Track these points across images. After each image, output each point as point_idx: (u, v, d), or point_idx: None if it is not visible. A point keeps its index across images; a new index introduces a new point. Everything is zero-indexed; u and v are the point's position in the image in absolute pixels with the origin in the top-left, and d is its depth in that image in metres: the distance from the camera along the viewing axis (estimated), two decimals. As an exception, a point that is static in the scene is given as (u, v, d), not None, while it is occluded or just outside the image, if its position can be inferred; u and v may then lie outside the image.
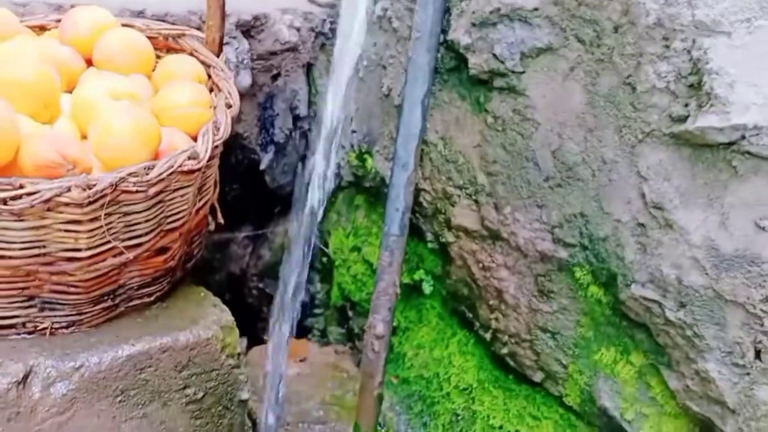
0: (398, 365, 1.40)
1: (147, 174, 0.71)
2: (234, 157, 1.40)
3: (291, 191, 1.56)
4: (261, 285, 1.67)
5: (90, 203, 0.68)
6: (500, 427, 1.18)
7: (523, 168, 1.03)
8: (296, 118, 1.47)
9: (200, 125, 0.80)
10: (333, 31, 1.39)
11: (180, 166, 0.73)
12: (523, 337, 1.09)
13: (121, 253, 0.75)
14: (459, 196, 1.15)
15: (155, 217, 0.76)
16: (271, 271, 1.63)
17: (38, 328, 0.78)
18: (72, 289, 0.76)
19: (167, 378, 0.82)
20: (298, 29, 1.33)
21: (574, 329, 1.03)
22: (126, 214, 0.73)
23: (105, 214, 0.70)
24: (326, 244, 1.57)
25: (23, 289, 0.74)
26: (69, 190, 0.66)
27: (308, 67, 1.43)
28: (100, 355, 0.77)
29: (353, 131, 1.39)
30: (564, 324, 1.03)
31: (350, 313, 1.54)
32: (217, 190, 0.90)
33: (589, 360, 1.01)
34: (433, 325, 1.37)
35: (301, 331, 1.57)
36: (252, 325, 1.48)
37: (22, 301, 0.75)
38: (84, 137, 0.79)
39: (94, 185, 0.67)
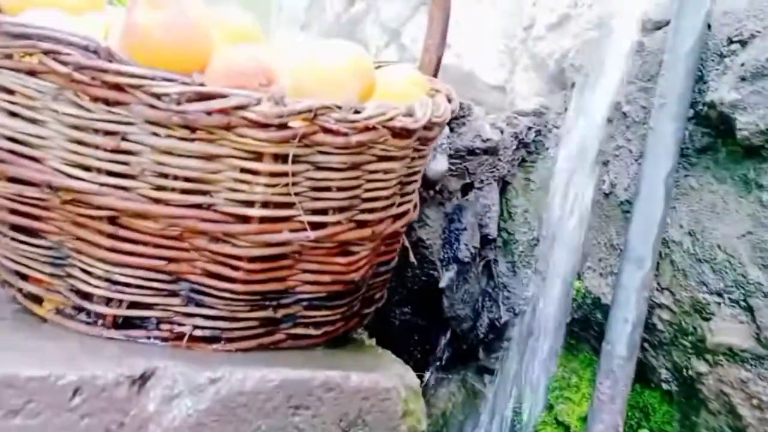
0: None
1: (354, 113, 0.54)
2: (410, 269, 1.22)
3: (468, 329, 1.32)
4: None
5: (279, 127, 0.51)
6: None
7: (822, 248, 0.76)
8: (484, 239, 1.28)
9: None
10: (537, 142, 1.24)
11: (392, 119, 0.56)
12: None
13: (302, 228, 0.55)
14: (718, 304, 0.86)
15: (349, 188, 0.57)
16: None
17: (174, 332, 0.58)
18: (231, 273, 0.56)
19: (327, 433, 0.56)
20: (501, 131, 1.20)
21: None
22: (317, 167, 0.55)
23: (294, 157, 0.52)
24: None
25: (171, 261, 0.56)
26: (259, 103, 0.50)
27: (503, 184, 1.27)
28: (246, 372, 0.54)
29: (556, 253, 1.17)
30: None
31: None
32: (416, 212, 0.70)
33: None
34: None
35: None
36: None
37: (165, 282, 0.56)
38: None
39: (291, 103, 0.51)
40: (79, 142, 0.52)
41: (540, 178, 1.23)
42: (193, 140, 0.51)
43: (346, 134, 0.53)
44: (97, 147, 0.52)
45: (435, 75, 0.81)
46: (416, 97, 0.65)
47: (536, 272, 1.25)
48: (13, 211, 0.56)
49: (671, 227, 0.93)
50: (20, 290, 0.60)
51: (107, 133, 0.52)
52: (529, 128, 1.25)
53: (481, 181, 1.25)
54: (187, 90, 0.49)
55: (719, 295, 0.86)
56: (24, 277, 0.59)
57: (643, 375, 0.98)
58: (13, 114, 0.53)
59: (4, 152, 0.54)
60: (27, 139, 0.54)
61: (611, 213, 1.04)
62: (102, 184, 0.53)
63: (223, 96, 0.50)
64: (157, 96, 0.49)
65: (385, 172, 0.59)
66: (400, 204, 0.64)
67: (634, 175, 1.00)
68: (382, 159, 0.58)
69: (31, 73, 0.51)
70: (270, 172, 0.53)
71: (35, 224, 0.57)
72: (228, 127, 0.51)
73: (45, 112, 0.52)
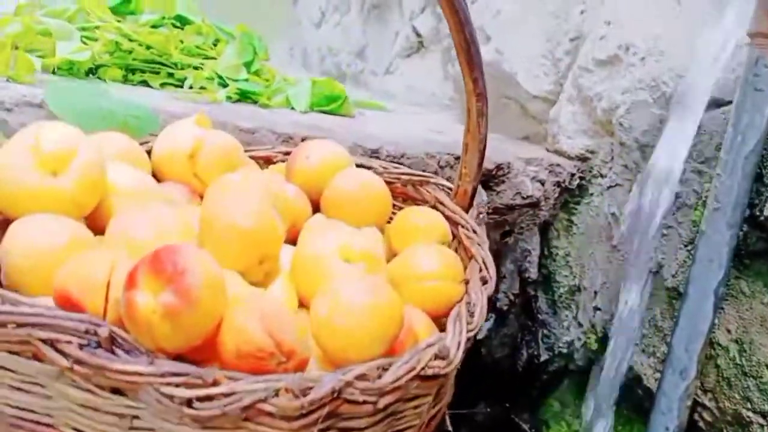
0: None
1: (379, 378, 0.49)
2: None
3: (508, 368, 1.30)
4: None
5: (301, 417, 0.47)
6: None
7: None
8: (524, 282, 1.24)
9: (447, 303, 0.60)
10: (581, 187, 1.17)
11: (423, 369, 0.51)
12: None
13: (326, 483, 0.52)
14: (762, 426, 0.82)
15: (378, 435, 0.54)
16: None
17: None
18: None
19: None
20: (543, 182, 1.12)
21: None
22: (342, 431, 0.51)
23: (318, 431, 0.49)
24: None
25: None
26: (277, 395, 0.46)
27: (544, 225, 1.21)
28: None
29: (596, 308, 1.12)
30: None
31: None
32: (452, 391, 0.66)
33: None
34: None
35: None
36: None
37: None
38: (301, 304, 0.61)
39: (310, 390, 0.46)
40: (88, 418, 0.49)
41: (583, 223, 1.17)
42: (204, 429, 0.48)
43: (373, 402, 0.49)
44: (108, 424, 0.49)
45: (469, 206, 0.74)
46: (449, 296, 0.60)
47: (576, 320, 1.21)
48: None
49: (718, 329, 0.88)
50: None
51: (117, 414, 0.49)
52: (573, 174, 1.18)
53: (521, 228, 1.19)
54: (199, 392, 0.45)
55: (764, 416, 0.82)
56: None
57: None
58: (16, 388, 0.50)
59: (11, 418, 0.51)
60: (34, 409, 0.51)
61: (657, 293, 0.98)
62: (117, 452, 0.50)
63: (235, 394, 0.45)
64: (167, 396, 0.46)
65: (416, 407, 0.55)
66: (435, 405, 0.60)
67: (683, 263, 0.93)
68: (411, 399, 0.54)
69: (30, 356, 0.48)
70: (291, 451, 0.49)
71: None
72: (245, 420, 0.47)
73: (49, 388, 0.49)
